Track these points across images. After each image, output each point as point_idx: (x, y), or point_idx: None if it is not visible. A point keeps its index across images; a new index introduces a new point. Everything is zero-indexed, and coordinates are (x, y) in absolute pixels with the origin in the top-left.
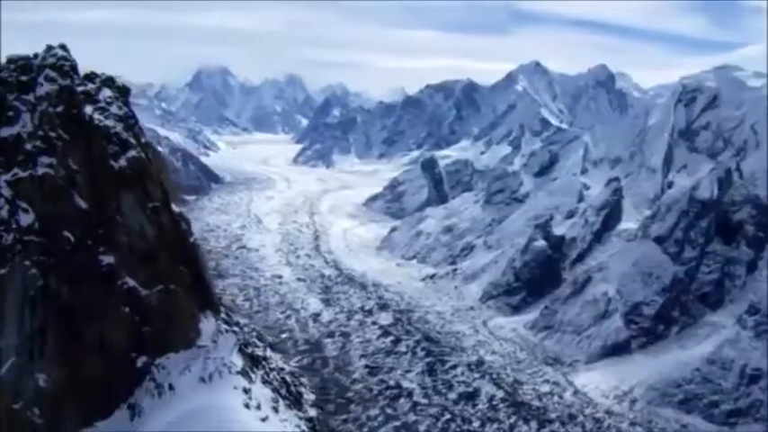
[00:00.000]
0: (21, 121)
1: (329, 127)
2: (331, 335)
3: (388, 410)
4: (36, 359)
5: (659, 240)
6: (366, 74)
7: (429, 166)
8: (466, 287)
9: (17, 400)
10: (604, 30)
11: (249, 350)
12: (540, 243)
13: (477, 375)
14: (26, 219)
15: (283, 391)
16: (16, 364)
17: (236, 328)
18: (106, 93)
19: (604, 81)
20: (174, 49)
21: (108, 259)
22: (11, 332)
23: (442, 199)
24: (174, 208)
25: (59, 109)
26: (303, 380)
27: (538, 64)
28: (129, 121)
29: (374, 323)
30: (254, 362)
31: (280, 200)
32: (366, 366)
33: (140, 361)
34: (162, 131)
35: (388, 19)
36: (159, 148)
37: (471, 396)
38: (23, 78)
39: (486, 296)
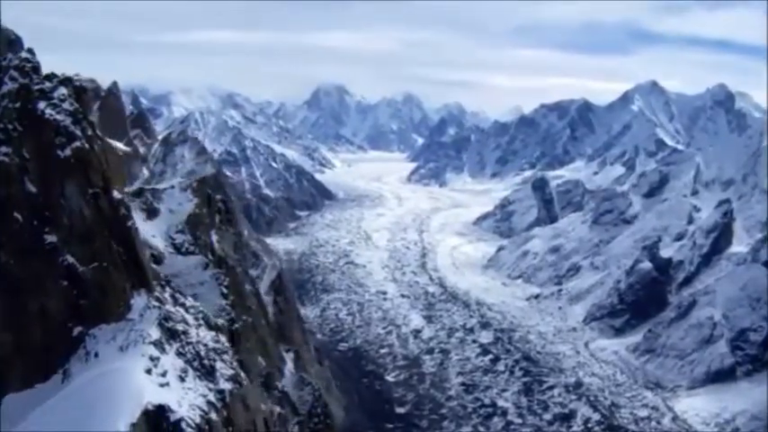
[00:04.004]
0: None
1: (443, 146)
2: (430, 351)
3: (481, 428)
4: None
5: None
6: (483, 93)
7: (539, 186)
8: (570, 308)
9: None
10: (726, 48)
11: (169, 324)
12: (646, 265)
13: (574, 397)
14: None
15: (196, 363)
16: None
17: (176, 308)
18: (61, 91)
19: (723, 101)
20: (294, 68)
21: (51, 238)
22: None
23: (552, 219)
24: (116, 194)
25: (17, 105)
26: (225, 356)
27: (655, 83)
28: (78, 115)
29: (474, 341)
30: (171, 335)
31: (390, 217)
32: (462, 384)
33: (76, 330)
34: (278, 148)
35: (505, 38)
36: (273, 164)
37: (566, 417)
38: None
39: (590, 317)
